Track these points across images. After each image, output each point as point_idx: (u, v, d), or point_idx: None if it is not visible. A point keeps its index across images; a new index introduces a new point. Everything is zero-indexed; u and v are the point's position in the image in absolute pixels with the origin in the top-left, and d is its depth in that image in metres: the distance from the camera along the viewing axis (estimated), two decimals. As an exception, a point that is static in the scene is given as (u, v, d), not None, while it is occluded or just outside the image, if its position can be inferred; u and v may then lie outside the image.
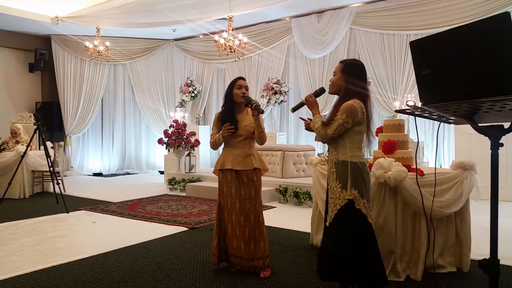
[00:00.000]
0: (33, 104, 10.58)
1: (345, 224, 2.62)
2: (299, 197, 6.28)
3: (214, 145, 3.38)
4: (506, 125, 1.72)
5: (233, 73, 9.84)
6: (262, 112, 3.24)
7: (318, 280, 3.16)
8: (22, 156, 6.50)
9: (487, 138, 1.77)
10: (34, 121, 6.25)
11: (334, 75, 2.76)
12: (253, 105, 3.17)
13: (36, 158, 7.56)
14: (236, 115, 3.32)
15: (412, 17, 7.46)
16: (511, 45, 1.47)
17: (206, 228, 4.86)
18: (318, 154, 7.79)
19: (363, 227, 2.61)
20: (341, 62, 2.79)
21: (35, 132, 6.36)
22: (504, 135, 1.74)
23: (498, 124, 1.76)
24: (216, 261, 3.38)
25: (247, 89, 3.33)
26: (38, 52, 10.25)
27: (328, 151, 4.05)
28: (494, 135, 1.75)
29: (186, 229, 4.84)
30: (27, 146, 6.56)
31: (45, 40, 10.55)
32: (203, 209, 5.95)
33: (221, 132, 3.26)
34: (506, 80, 1.49)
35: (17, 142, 7.56)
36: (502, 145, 1.75)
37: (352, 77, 2.67)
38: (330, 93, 2.81)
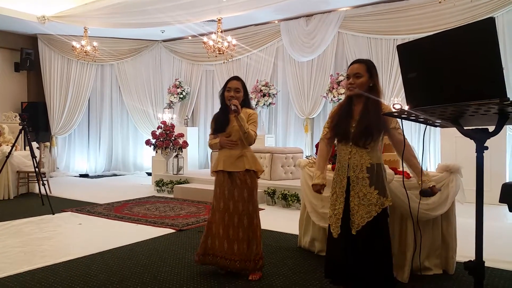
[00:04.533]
0: (19, 104, 10.41)
1: (380, 230, 2.56)
2: (287, 199, 6.29)
3: (211, 147, 3.48)
4: (491, 128, 1.75)
5: (221, 75, 9.84)
6: (237, 112, 3.13)
7: (307, 282, 3.17)
8: (7, 157, 6.39)
9: (472, 141, 1.80)
10: (20, 121, 6.16)
11: (359, 76, 2.64)
12: (231, 106, 3.17)
13: (21, 158, 7.43)
14: (229, 115, 3.31)
15: (400, 22, 7.54)
16: (496, 50, 1.50)
17: (194, 230, 4.84)
18: (306, 157, 7.81)
19: (388, 232, 2.61)
20: (361, 62, 2.69)
21: (20, 132, 6.25)
22: (489, 138, 1.76)
23: (483, 128, 1.78)
24: (200, 260, 3.34)
25: (237, 91, 3.29)
26: (24, 51, 10.10)
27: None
28: (479, 138, 1.77)
29: (174, 231, 4.81)
30: (12, 147, 6.45)
31: (32, 40, 10.42)
32: (191, 211, 5.92)
33: (219, 140, 3.31)
34: (491, 84, 1.51)
35: None
36: (487, 148, 1.78)
37: (375, 78, 2.66)
38: (353, 95, 2.69)
